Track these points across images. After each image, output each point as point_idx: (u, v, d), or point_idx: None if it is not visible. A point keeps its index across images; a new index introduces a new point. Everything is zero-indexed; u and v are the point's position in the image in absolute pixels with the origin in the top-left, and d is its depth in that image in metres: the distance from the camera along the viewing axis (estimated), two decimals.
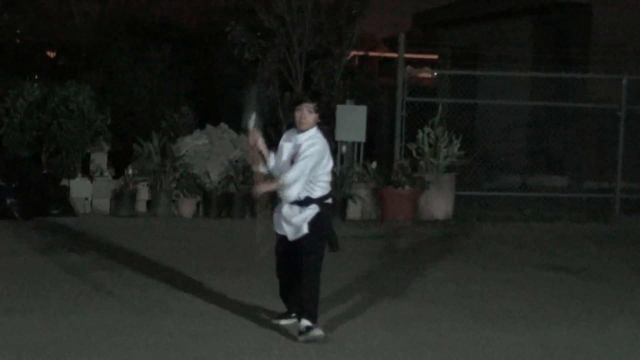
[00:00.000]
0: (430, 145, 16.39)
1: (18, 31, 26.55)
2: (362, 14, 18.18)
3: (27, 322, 8.58)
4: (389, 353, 7.94)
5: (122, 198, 15.70)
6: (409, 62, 18.25)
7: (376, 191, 16.13)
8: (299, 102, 8.36)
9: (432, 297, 10.18)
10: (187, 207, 15.65)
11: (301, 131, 8.30)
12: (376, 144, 20.72)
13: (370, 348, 8.07)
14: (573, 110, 20.10)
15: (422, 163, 16.27)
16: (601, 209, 17.70)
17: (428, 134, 16.43)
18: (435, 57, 30.11)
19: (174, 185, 15.60)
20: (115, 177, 16.14)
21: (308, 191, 8.22)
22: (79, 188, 15.71)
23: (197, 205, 15.78)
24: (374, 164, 16.74)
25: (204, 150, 16.37)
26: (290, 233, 8.31)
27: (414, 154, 16.41)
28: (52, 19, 27.48)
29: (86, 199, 15.73)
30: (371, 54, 25.49)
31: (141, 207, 15.82)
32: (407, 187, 15.77)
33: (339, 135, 16.96)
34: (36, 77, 18.31)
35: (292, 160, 8.24)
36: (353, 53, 19.77)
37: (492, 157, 19.72)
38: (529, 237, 14.99)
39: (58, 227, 14.09)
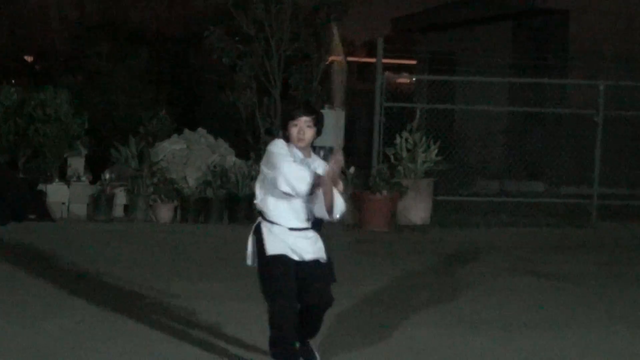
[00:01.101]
0: (408, 150, 16.39)
1: None
2: (340, 19, 18.17)
3: (4, 327, 8.55)
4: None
5: (100, 203, 15.66)
6: (387, 67, 18.27)
7: (354, 196, 16.11)
8: (295, 116, 7.18)
9: (408, 303, 10.17)
10: (165, 212, 15.60)
11: (302, 149, 7.14)
12: (354, 149, 20.72)
13: (350, 356, 8.06)
14: (551, 115, 20.19)
15: (400, 168, 16.27)
16: (578, 214, 17.76)
17: (406, 139, 16.44)
18: (413, 62, 30.15)
19: (151, 190, 15.56)
20: (92, 182, 16.10)
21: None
22: (56, 193, 15.66)
23: (175, 210, 15.75)
24: (352, 169, 16.73)
25: (182, 155, 16.33)
26: (298, 256, 7.13)
27: (392, 159, 16.41)
28: (30, 24, 27.44)
29: (63, 203, 15.68)
30: (349, 59, 25.42)
31: (118, 212, 15.79)
32: (385, 193, 15.77)
33: (317, 141, 16.89)
34: (13, 81, 18.24)
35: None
36: (331, 58, 19.74)
37: (470, 163, 19.77)
38: (507, 243, 15.01)
39: (35, 232, 14.03)
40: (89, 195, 15.78)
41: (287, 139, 7.17)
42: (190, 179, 15.95)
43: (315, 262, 7.13)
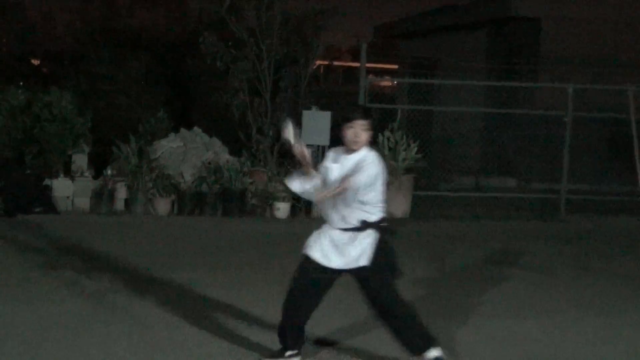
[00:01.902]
0: (390, 148, 16.43)
1: (4, 40, 26.44)
2: (327, 26, 18.21)
3: (10, 310, 8.58)
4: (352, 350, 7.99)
5: (102, 197, 15.68)
6: (370, 71, 18.32)
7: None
8: (352, 119, 6.95)
9: None
10: (163, 205, 15.62)
11: (351, 151, 6.99)
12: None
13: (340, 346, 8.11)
14: (523, 116, 20.25)
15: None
16: (548, 208, 17.82)
17: (388, 138, 16.48)
18: (395, 66, 30.20)
19: (150, 184, 15.57)
20: (95, 177, 16.11)
21: (365, 213, 6.91)
22: (61, 187, 15.67)
23: (172, 203, 15.76)
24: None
25: (179, 152, 16.35)
26: (341, 264, 6.93)
27: None
28: (36, 29, 27.42)
29: (67, 197, 15.69)
30: (335, 63, 25.49)
31: (119, 205, 15.79)
32: None
33: (305, 139, 16.92)
34: (21, 83, 18.24)
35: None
36: (318, 62, 19.79)
37: (448, 160, 19.82)
38: (481, 235, 15.06)
39: (40, 224, 14.04)
40: (92, 190, 15.80)
41: (342, 139, 7.01)
42: (187, 174, 15.97)
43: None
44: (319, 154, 17.02)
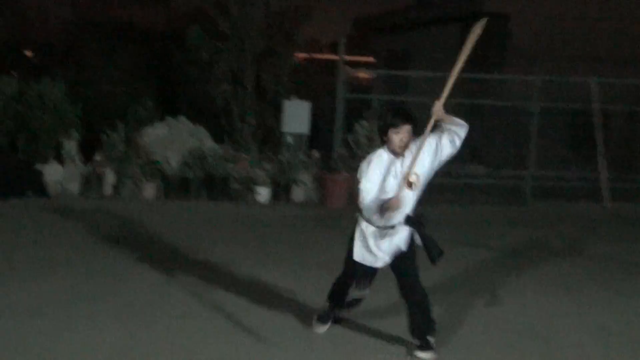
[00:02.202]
0: (366, 136, 16.46)
1: None
2: (307, 20, 18.21)
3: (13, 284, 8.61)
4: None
5: (91, 181, 15.65)
6: (348, 63, 18.30)
7: (318, 177, 16.18)
8: (399, 124, 6.93)
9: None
10: (149, 190, 15.61)
11: (399, 155, 6.95)
12: (319, 135, 20.77)
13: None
14: (492, 107, 20.29)
15: (359, 152, 16.33)
16: (515, 194, 17.89)
17: (364, 127, 16.51)
18: (372, 59, 30.19)
19: (137, 170, 15.56)
20: (84, 163, 16.07)
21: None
22: (52, 172, 15.62)
23: (158, 188, 15.75)
24: (316, 153, 16.82)
25: (165, 139, 16.33)
26: (382, 260, 7.09)
27: (352, 144, 16.48)
28: (29, 21, 27.26)
29: (58, 182, 15.65)
30: (315, 56, 25.47)
31: (108, 189, 15.76)
32: (345, 174, 15.83)
33: (285, 127, 17.03)
34: (14, 73, 18.14)
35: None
36: (299, 55, 19.78)
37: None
38: (452, 219, 15.11)
39: (32, 207, 14.02)
40: (81, 175, 15.76)
41: (386, 144, 6.97)
42: (172, 160, 15.96)
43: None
44: (301, 141, 17.08)
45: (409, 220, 6.99)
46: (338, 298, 7.53)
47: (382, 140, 7.02)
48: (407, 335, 7.27)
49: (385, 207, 6.80)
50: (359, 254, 7.12)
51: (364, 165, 7.05)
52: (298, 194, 16.08)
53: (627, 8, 21.98)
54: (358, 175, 7.06)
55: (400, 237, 7.03)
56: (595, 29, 21.95)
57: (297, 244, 11.95)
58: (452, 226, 14.22)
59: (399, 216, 6.95)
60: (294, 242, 12.08)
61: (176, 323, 7.70)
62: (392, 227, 6.99)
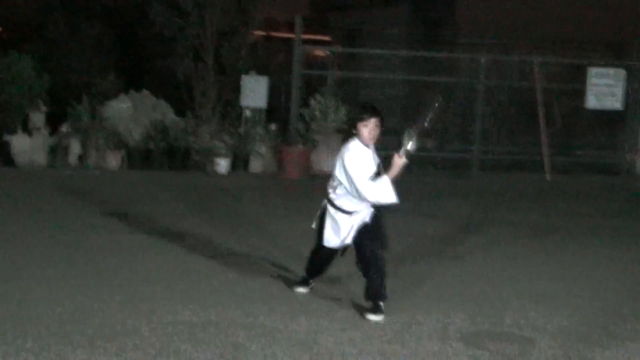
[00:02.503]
0: (320, 111, 16.49)
1: None
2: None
3: None
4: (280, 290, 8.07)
5: (57, 152, 15.56)
6: (304, 41, 18.29)
7: (275, 149, 16.20)
8: (367, 117, 7.15)
9: (311, 236, 10.27)
10: (113, 160, 15.55)
11: (368, 145, 7.20)
12: (276, 109, 20.77)
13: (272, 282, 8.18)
14: (442, 84, 20.38)
15: (313, 126, 16.37)
16: (462, 166, 18.02)
17: (319, 102, 16.53)
18: (327, 37, 30.14)
19: (101, 141, 15.49)
20: (51, 134, 15.96)
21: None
22: (19, 143, 15.51)
23: (122, 159, 15.69)
24: (274, 126, 16.83)
25: (128, 112, 16.27)
26: (350, 237, 7.28)
27: (307, 118, 16.50)
28: None
29: (25, 152, 15.54)
30: (273, 33, 25.41)
31: (73, 159, 15.69)
32: (300, 146, 15.87)
33: (244, 102, 17.01)
34: None
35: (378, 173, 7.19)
36: (257, 32, 19.73)
37: None
38: (403, 190, 15.16)
39: (0, 176, 13.92)
40: (48, 145, 15.66)
41: (357, 136, 7.17)
42: (135, 133, 15.90)
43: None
44: (259, 115, 17.08)
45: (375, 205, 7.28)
46: (312, 270, 7.80)
47: (352, 133, 7.25)
48: (359, 300, 7.34)
49: (393, 177, 7.12)
50: (329, 240, 7.38)
51: (348, 161, 7.17)
52: (256, 165, 16.09)
53: None
54: (349, 170, 7.15)
55: (367, 213, 7.30)
56: (538, 11, 22.06)
57: (255, 212, 11.98)
58: (404, 197, 14.28)
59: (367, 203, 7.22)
60: (252, 210, 12.11)
61: (141, 287, 7.70)
62: (361, 211, 7.27)
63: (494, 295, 8.09)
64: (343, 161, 7.19)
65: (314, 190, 14.30)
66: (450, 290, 8.19)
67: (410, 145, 7.07)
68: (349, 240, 7.30)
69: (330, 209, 7.37)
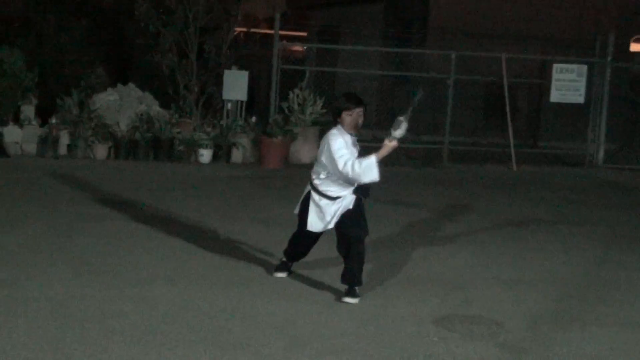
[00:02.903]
0: (299, 104, 16.45)
1: None
2: None
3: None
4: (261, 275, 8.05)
5: (47, 143, 15.45)
6: (283, 37, 18.25)
7: (255, 140, 16.16)
8: (352, 107, 7.17)
9: (291, 222, 10.25)
10: (101, 150, 15.46)
11: (353, 134, 7.22)
12: (256, 102, 20.73)
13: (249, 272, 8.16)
14: (414, 78, 20.41)
15: (292, 118, 16.33)
16: (433, 157, 18.04)
17: (297, 95, 16.50)
18: (304, 33, 30.09)
19: (90, 132, 15.42)
20: (41, 126, 15.85)
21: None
22: (11, 134, 15.40)
23: (109, 149, 15.61)
24: (254, 118, 16.80)
25: (115, 104, 16.17)
26: (333, 222, 7.25)
27: (286, 111, 16.46)
28: None
29: (17, 143, 15.43)
30: (253, 30, 25.31)
31: (62, 150, 15.58)
32: (280, 137, 15.83)
33: (226, 95, 16.97)
34: None
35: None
36: (238, 29, 19.64)
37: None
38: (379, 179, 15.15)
39: None
40: (38, 136, 15.55)
41: (340, 124, 7.18)
42: (122, 124, 15.82)
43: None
44: (238, 107, 17.04)
45: (357, 190, 7.29)
46: (293, 254, 7.78)
47: (335, 120, 7.25)
48: (336, 284, 7.33)
49: (381, 157, 7.12)
50: (313, 225, 7.33)
51: (333, 144, 7.12)
52: (237, 155, 16.05)
53: None
54: (334, 152, 7.10)
55: (349, 200, 7.29)
56: (506, 10, 22.10)
57: (237, 200, 11.97)
58: (375, 185, 14.28)
59: (350, 188, 7.24)
60: (234, 198, 12.10)
61: (128, 272, 7.67)
62: (343, 197, 7.26)
63: (464, 280, 8.11)
64: (329, 145, 7.16)
65: (293, 179, 14.33)
66: (423, 275, 8.21)
67: (399, 132, 7.10)
68: (331, 225, 7.26)
69: (315, 195, 7.33)
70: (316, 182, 7.33)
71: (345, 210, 7.24)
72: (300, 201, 7.52)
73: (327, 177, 7.23)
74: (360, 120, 7.21)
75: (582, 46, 20.40)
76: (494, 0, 22.10)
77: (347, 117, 7.16)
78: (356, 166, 7.05)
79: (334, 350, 5.98)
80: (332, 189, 7.25)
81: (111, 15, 22.50)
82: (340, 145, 7.12)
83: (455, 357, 5.99)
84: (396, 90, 20.92)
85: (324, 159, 7.20)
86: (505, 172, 17.16)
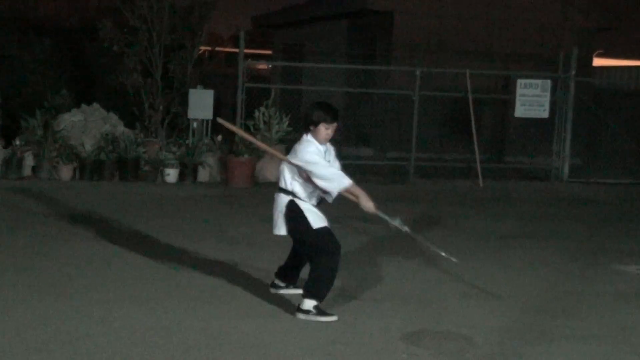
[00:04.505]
0: (265, 122, 16.44)
1: None
2: (210, 16, 18.05)
3: None
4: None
5: (11, 164, 15.32)
6: (248, 55, 18.24)
7: (222, 159, 16.12)
8: (331, 120, 7.17)
9: (259, 240, 10.24)
10: (66, 171, 15.35)
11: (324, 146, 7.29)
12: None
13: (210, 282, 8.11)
14: (378, 95, 20.47)
15: (258, 137, 16.30)
16: (399, 173, 18.08)
17: (263, 113, 16.49)
18: (269, 52, 30.14)
19: (54, 153, 15.31)
20: (5, 147, 15.73)
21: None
22: None
23: (74, 170, 15.50)
24: (220, 137, 16.76)
25: (80, 125, 16.08)
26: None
27: (252, 129, 16.44)
28: None
29: None
30: (218, 49, 25.31)
31: (27, 171, 15.46)
32: (246, 156, 15.80)
33: (191, 114, 16.93)
34: None
35: None
36: (203, 48, 19.62)
37: None
38: (340, 197, 15.16)
39: None
40: (2, 158, 15.42)
41: (313, 133, 7.16)
42: (87, 144, 15.73)
43: None
44: (203, 126, 17.01)
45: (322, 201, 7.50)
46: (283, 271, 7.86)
47: (309, 129, 7.18)
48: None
49: (352, 193, 7.58)
50: (316, 221, 7.33)
51: (307, 151, 7.12)
52: (203, 174, 16.00)
53: (495, 9, 22.29)
54: (305, 159, 7.12)
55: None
56: (470, 27, 22.26)
57: (205, 218, 11.91)
58: (340, 203, 14.29)
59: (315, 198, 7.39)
60: (201, 217, 12.04)
61: (95, 293, 7.61)
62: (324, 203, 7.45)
63: (433, 296, 8.12)
64: (302, 152, 7.11)
65: (260, 198, 14.32)
66: (392, 292, 8.21)
67: (391, 222, 7.80)
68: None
69: (299, 201, 7.27)
70: (289, 188, 7.28)
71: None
72: (283, 221, 7.39)
73: (299, 183, 7.22)
74: (333, 134, 7.23)
75: (545, 61, 20.58)
76: (458, 16, 22.23)
77: (324, 129, 7.14)
78: (331, 174, 7.16)
79: None
80: (304, 193, 7.28)
81: (75, 35, 22.42)
82: (314, 153, 7.10)
83: None
84: (362, 106, 20.98)
85: (296, 161, 7.14)
86: (471, 187, 17.22)
